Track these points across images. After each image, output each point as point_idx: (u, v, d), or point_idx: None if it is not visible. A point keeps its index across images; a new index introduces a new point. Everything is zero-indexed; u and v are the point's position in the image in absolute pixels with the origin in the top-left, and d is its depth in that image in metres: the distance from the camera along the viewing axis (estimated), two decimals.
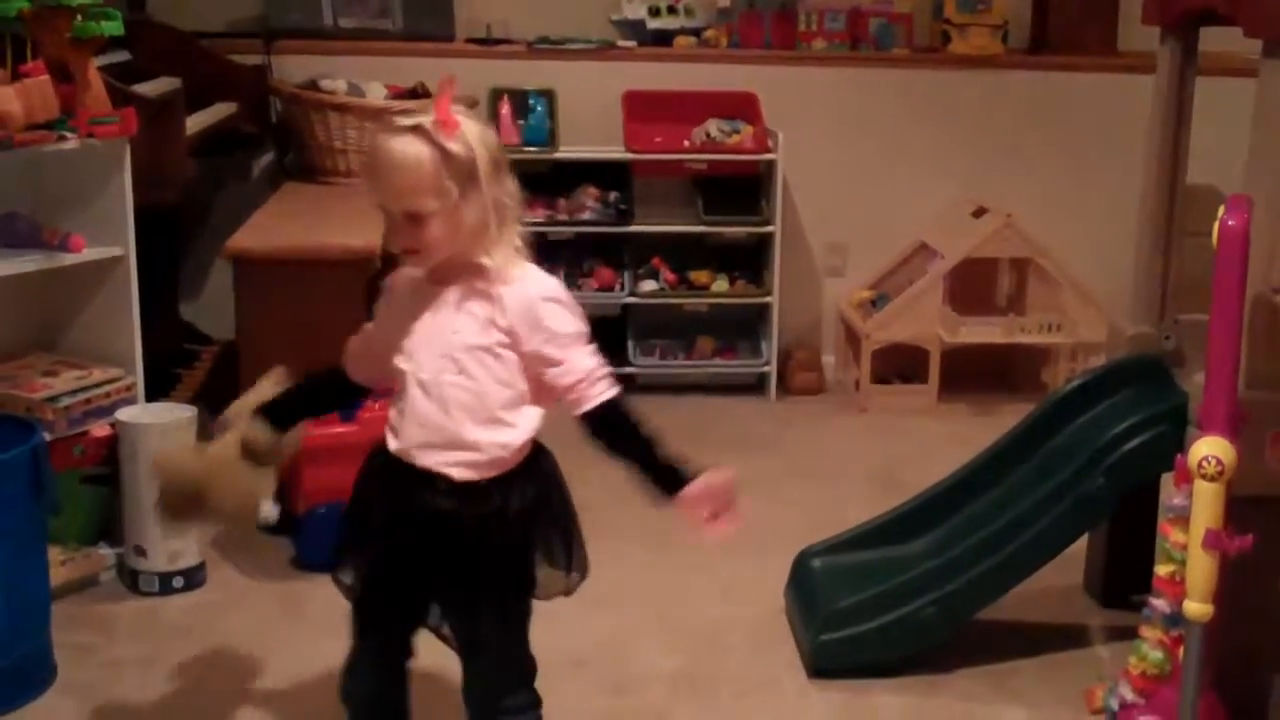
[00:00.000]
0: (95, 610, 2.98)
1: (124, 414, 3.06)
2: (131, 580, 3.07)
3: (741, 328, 4.69)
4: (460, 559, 1.98)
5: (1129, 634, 2.56)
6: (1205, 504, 2.14)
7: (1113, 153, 4.61)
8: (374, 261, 3.15)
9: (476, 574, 1.99)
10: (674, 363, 4.63)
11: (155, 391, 3.40)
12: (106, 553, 3.14)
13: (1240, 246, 2.14)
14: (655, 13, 4.67)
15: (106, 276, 3.16)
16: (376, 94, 4.27)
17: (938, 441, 4.12)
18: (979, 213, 4.58)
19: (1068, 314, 4.46)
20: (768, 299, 4.58)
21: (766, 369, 4.63)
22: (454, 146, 1.88)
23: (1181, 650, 2.30)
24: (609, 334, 4.45)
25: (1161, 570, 2.39)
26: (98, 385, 3.11)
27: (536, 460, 2.01)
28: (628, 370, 4.48)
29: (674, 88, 4.61)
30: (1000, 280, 4.67)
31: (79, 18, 2.92)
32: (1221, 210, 2.17)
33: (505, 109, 4.45)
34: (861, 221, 4.78)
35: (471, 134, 1.90)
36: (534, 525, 2.01)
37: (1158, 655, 2.42)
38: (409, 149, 1.88)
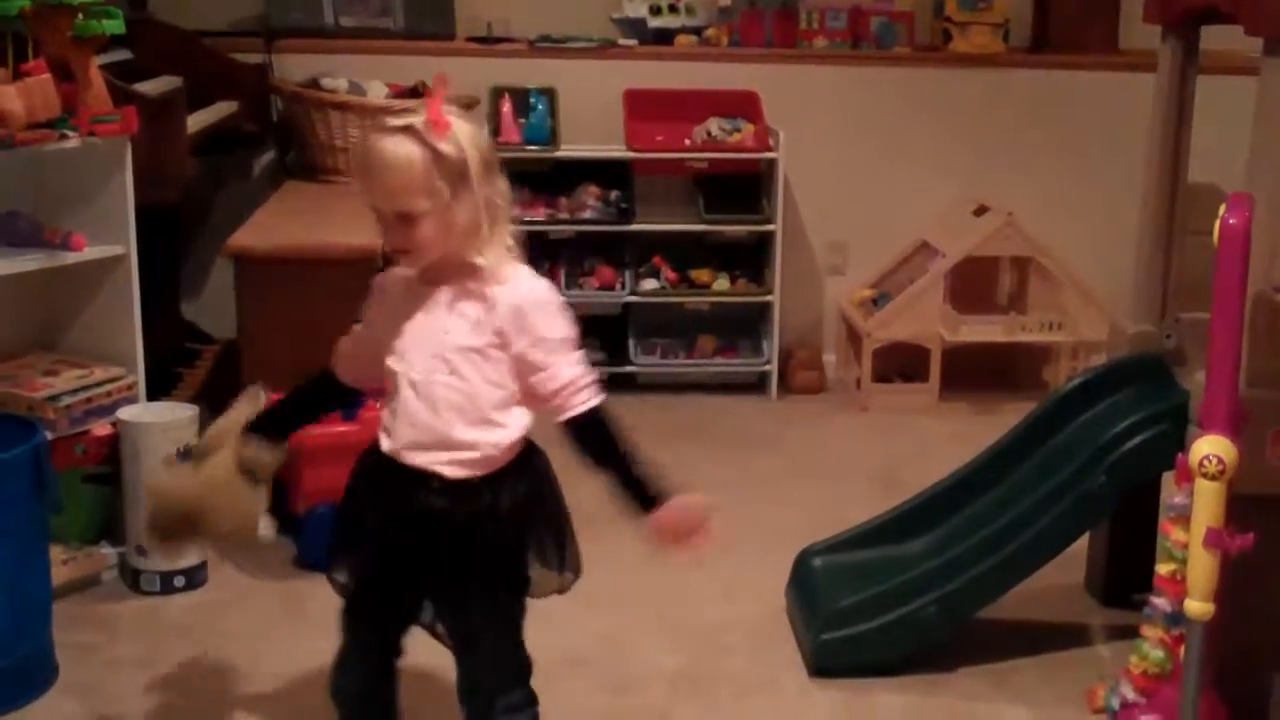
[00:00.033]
0: (97, 609, 2.98)
1: (125, 413, 3.07)
2: (133, 579, 3.07)
3: (742, 326, 4.69)
4: (452, 557, 1.98)
5: (1130, 633, 2.56)
6: (1206, 503, 2.14)
7: (1114, 151, 4.61)
8: (376, 260, 3.13)
9: (469, 572, 1.99)
10: (675, 362, 4.61)
11: (156, 390, 3.40)
12: (108, 552, 3.14)
13: (1241, 245, 2.14)
14: (656, 11, 4.67)
15: (107, 275, 3.16)
16: (377, 93, 4.27)
17: (938, 440, 4.12)
18: (980, 211, 4.57)
19: (1069, 313, 4.46)
20: (769, 298, 4.57)
21: (767, 368, 4.62)
22: (445, 147, 1.88)
23: (1183, 649, 2.30)
24: (610, 333, 4.47)
25: (1162, 569, 2.40)
26: (99, 384, 3.11)
27: (529, 458, 2.01)
28: (629, 369, 4.42)
29: (675, 86, 4.61)
30: (1001, 279, 4.67)
31: (80, 16, 2.92)
32: (1223, 209, 2.17)
33: (506, 107, 4.45)
34: (862, 220, 4.78)
35: (463, 134, 1.89)
36: (526, 523, 2.01)
37: (1159, 654, 2.42)
38: (400, 149, 1.87)
